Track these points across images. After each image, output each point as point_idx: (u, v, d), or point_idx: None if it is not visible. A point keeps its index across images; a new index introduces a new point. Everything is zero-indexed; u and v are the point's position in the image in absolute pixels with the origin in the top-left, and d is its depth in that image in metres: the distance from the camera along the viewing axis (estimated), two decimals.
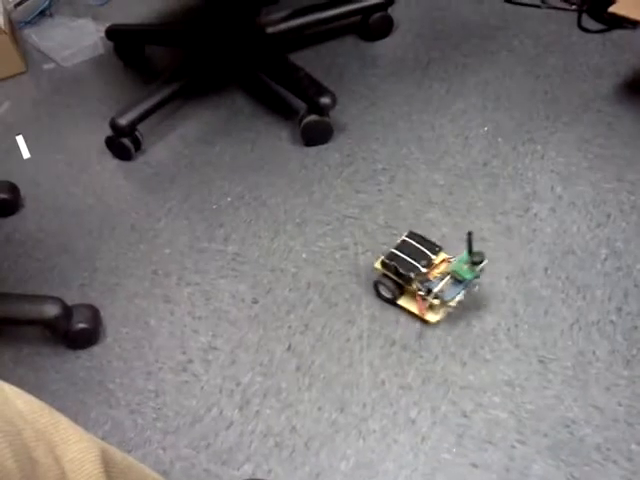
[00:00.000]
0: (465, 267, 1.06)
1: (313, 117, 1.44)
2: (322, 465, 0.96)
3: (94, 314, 1.16)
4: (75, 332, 1.12)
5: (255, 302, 1.19)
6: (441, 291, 1.05)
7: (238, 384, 1.07)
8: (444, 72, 1.60)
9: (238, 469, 0.96)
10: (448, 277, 1.06)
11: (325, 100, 1.43)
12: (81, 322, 1.13)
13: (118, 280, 1.26)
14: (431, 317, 1.09)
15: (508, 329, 1.08)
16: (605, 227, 1.22)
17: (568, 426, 0.96)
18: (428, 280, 1.07)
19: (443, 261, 1.10)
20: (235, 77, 1.67)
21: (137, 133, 1.49)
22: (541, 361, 1.04)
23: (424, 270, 1.07)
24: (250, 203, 1.37)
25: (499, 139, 1.42)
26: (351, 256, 1.24)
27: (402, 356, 1.07)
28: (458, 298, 1.06)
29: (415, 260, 1.08)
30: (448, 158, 1.40)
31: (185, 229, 1.34)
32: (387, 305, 1.14)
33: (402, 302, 1.12)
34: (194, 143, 1.53)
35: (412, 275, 1.06)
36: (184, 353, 1.12)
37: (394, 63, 1.67)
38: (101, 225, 1.38)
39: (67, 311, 1.12)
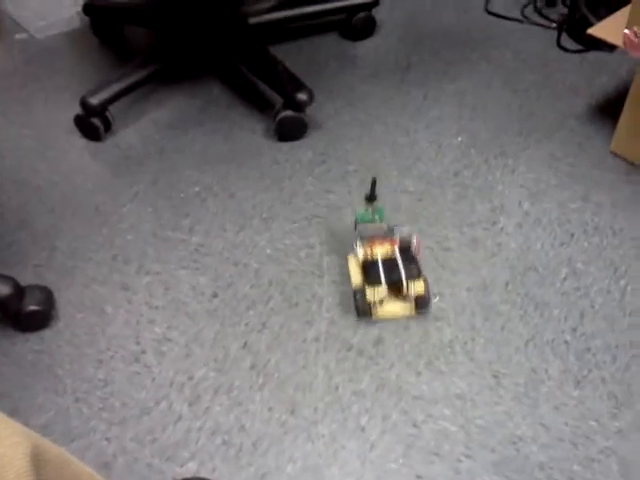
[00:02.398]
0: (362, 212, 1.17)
1: (289, 112, 1.43)
2: (268, 466, 0.95)
3: (47, 296, 1.13)
4: (26, 314, 1.09)
5: (215, 296, 1.17)
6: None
7: (190, 378, 1.05)
8: (423, 77, 1.60)
9: (182, 466, 0.95)
10: None
11: (302, 96, 1.42)
12: (33, 304, 1.10)
13: (76, 263, 1.23)
14: None
15: (465, 342, 1.09)
16: (568, 246, 1.23)
17: (515, 443, 0.96)
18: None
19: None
20: (213, 66, 1.64)
21: (108, 114, 1.46)
22: (495, 376, 1.04)
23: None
24: (218, 194, 1.35)
25: (472, 150, 1.42)
26: (316, 256, 1.23)
27: (358, 362, 1.07)
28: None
29: None
30: (420, 165, 1.40)
31: (150, 216, 1.31)
32: (347, 309, 1.14)
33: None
34: (166, 129, 1.50)
35: None
36: (138, 343, 1.10)
37: (374, 65, 1.66)
38: (64, 204, 1.34)
39: (19, 291, 1.09)
